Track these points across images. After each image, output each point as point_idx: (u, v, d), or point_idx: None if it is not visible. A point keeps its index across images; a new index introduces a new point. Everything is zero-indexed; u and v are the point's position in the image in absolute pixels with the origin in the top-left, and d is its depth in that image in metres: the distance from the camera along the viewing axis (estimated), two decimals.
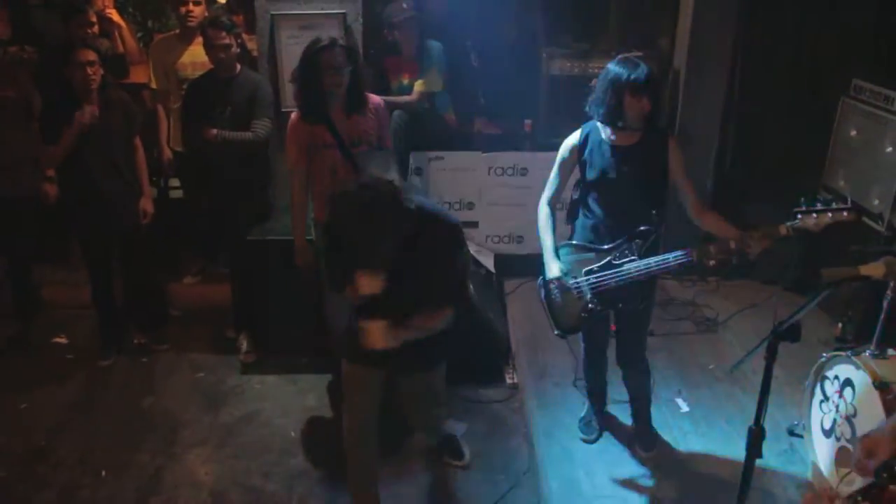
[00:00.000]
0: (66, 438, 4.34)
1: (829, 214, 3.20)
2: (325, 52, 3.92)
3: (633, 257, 3.50)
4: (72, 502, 3.89)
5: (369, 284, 3.07)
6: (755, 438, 2.39)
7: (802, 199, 3.24)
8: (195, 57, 5.07)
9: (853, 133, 4.99)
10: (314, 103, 4.02)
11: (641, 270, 3.48)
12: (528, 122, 5.76)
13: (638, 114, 3.40)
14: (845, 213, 3.20)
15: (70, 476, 4.05)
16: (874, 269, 3.02)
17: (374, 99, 4.23)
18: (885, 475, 2.40)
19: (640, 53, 3.87)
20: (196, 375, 4.94)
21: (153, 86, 5.34)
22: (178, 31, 5.28)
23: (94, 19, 5.24)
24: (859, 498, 2.42)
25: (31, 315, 5.36)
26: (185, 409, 4.62)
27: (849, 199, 3.29)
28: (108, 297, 5.01)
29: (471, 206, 5.73)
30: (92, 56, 4.43)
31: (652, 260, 3.46)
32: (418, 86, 5.23)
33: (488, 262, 5.48)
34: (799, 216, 3.23)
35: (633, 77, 3.34)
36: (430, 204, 3.27)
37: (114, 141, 4.66)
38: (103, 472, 4.07)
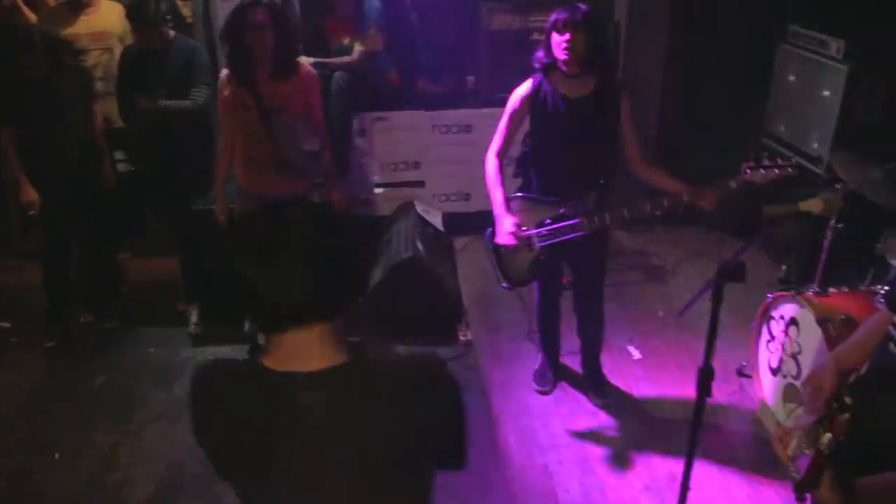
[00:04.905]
0: (16, 424, 4.23)
1: (776, 170, 3.31)
2: (247, 10, 3.80)
3: (583, 210, 3.52)
4: (24, 488, 3.79)
5: None
6: (704, 378, 2.43)
7: (750, 154, 3.34)
8: (91, 27, 4.89)
9: (791, 79, 5.07)
10: (237, 63, 3.92)
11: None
12: (470, 78, 5.73)
13: (563, 51, 3.37)
14: (790, 169, 3.33)
15: (20, 462, 3.93)
16: (813, 205, 3.13)
17: (304, 66, 4.13)
18: (835, 405, 2.49)
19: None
20: (147, 350, 4.83)
21: None
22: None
23: None
24: (821, 430, 2.52)
25: None
26: (139, 385, 4.52)
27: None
28: (65, 276, 4.87)
29: (416, 165, 5.72)
30: None
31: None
32: (358, 46, 5.13)
33: (437, 221, 5.46)
34: (748, 171, 3.31)
35: (560, 15, 3.35)
36: None
37: (68, 108, 4.48)
38: (56, 455, 3.97)
